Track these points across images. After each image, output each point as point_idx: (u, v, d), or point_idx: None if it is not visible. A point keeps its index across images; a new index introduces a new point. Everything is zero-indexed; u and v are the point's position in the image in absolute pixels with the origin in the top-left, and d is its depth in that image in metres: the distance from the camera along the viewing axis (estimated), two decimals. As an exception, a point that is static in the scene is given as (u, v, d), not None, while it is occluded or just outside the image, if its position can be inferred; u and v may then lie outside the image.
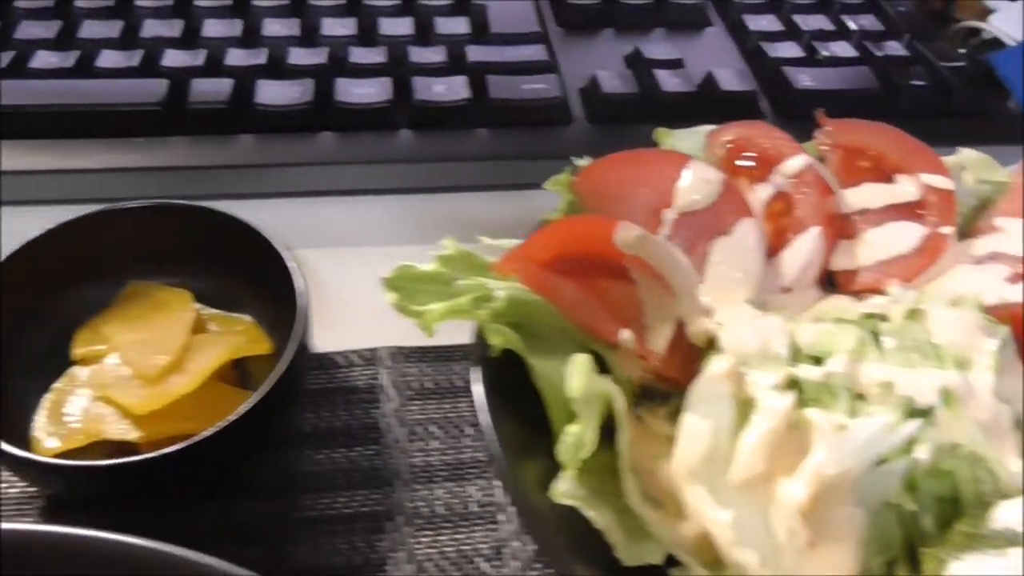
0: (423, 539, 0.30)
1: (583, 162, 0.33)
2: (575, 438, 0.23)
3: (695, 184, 0.32)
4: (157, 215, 0.34)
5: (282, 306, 0.33)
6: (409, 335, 0.35)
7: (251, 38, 0.43)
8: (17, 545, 0.25)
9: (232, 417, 0.27)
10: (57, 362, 0.32)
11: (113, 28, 0.43)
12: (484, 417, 0.24)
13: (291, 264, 0.31)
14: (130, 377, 0.30)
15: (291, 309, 0.32)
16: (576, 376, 0.23)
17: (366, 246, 0.39)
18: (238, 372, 0.33)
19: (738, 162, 0.33)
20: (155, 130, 0.39)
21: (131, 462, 0.26)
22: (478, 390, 0.25)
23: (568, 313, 0.27)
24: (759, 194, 0.33)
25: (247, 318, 0.34)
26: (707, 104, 0.42)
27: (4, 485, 0.31)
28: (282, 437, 0.32)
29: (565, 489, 0.23)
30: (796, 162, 0.33)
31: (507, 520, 0.31)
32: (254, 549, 0.29)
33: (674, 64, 0.44)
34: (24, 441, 0.29)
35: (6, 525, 0.25)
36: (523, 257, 0.27)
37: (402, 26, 0.44)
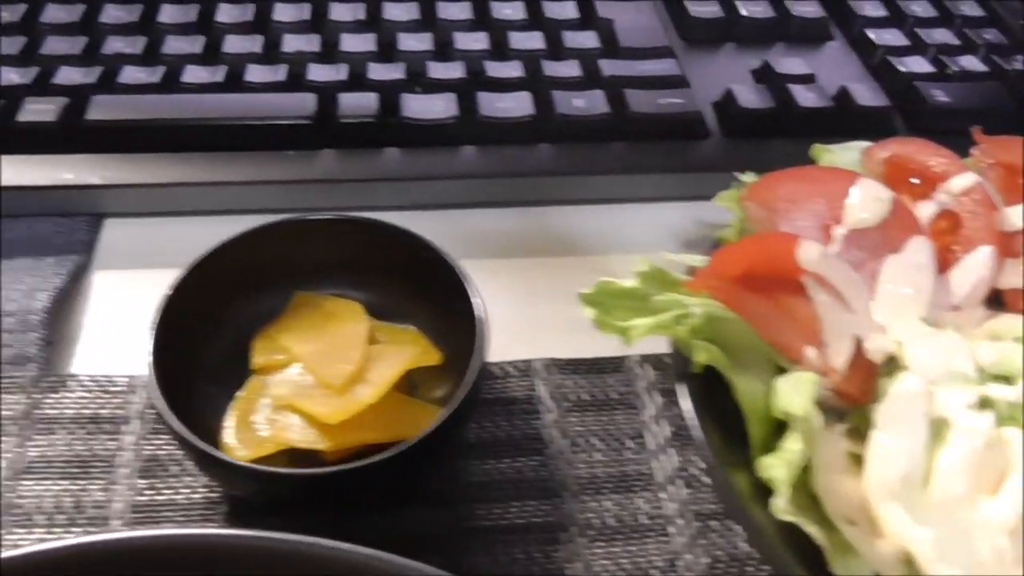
0: (597, 550, 0.31)
1: (748, 178, 0.33)
2: (794, 455, 0.24)
3: (865, 201, 0.32)
4: (321, 227, 0.35)
5: (444, 316, 0.33)
6: (560, 347, 0.36)
7: (388, 52, 0.44)
8: (228, 548, 0.25)
9: (428, 429, 0.28)
10: (235, 370, 0.33)
11: (256, 43, 0.44)
12: (697, 433, 0.25)
13: (464, 276, 0.32)
14: (314, 387, 0.31)
15: (454, 319, 0.33)
16: (801, 394, 0.24)
17: (507, 258, 0.40)
18: (405, 382, 0.33)
19: (909, 180, 0.33)
20: (306, 143, 0.40)
21: (342, 470, 0.27)
22: (687, 406, 0.25)
23: (759, 329, 0.27)
24: (923, 211, 0.33)
25: (412, 328, 0.34)
26: (843, 119, 0.42)
27: (186, 491, 0.31)
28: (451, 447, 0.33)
29: (784, 505, 0.23)
30: (963, 180, 0.33)
31: (678, 533, 0.31)
32: (433, 558, 0.30)
33: (806, 79, 0.44)
34: (215, 447, 0.30)
35: (221, 531, 0.26)
36: (716, 275, 0.28)
37: (533, 40, 0.45)
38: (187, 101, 0.41)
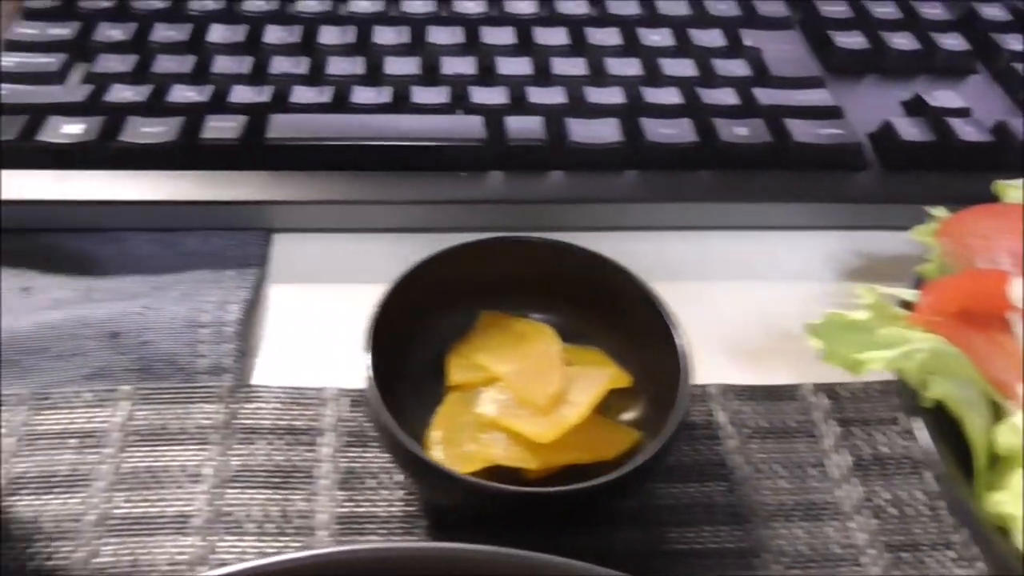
0: (793, 578, 0.31)
1: (940, 212, 0.34)
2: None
3: (1063, 239, 0.32)
4: (508, 247, 0.35)
5: (628, 338, 0.34)
6: (729, 373, 0.37)
7: (544, 76, 0.45)
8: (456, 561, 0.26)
9: (649, 453, 0.28)
10: (428, 386, 0.33)
11: (415, 65, 0.45)
12: (938, 468, 0.25)
13: (660, 301, 0.33)
14: (519, 406, 0.31)
15: (638, 341, 0.33)
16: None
17: (664, 281, 0.40)
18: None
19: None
20: (474, 165, 0.41)
21: (574, 490, 0.27)
22: (926, 440, 0.25)
23: (980, 365, 0.28)
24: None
25: (595, 349, 0.35)
26: (1002, 154, 0.42)
27: (384, 504, 0.32)
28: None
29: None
30: None
31: (871, 563, 0.31)
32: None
33: (962, 112, 0.44)
34: (422, 463, 0.31)
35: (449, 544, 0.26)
36: (935, 310, 0.28)
37: (685, 67, 0.46)
38: (357, 121, 0.42)
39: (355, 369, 0.35)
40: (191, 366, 0.35)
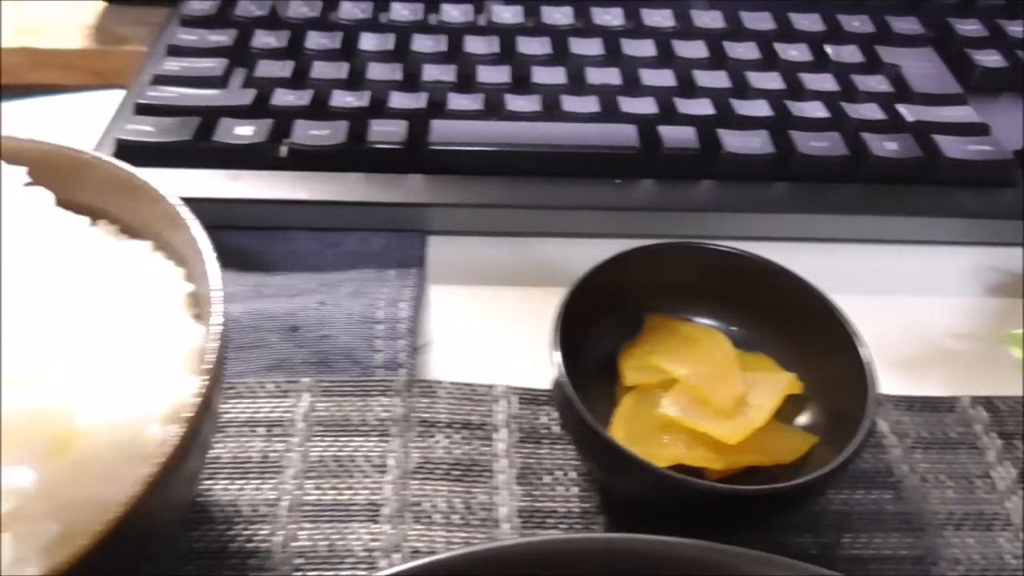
0: (970, 586, 0.31)
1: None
2: None
3: None
4: (674, 253, 0.36)
5: (795, 344, 0.35)
6: (886, 384, 0.37)
7: (689, 89, 0.46)
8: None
9: (839, 459, 0.29)
10: (600, 387, 0.34)
11: (561, 74, 0.46)
12: None
13: (837, 309, 0.33)
14: (701, 407, 0.32)
15: (806, 348, 0.34)
16: None
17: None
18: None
19: None
20: (628, 172, 0.42)
21: (776, 488, 0.28)
22: None
23: None
24: None
25: (762, 355, 0.35)
26: None
27: (562, 500, 0.33)
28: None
29: None
30: None
31: (1046, 575, 0.32)
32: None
33: (1110, 132, 0.44)
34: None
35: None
36: None
37: (826, 82, 0.46)
38: (512, 128, 0.43)
39: (521, 368, 0.37)
40: (368, 360, 0.36)
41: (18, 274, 0.23)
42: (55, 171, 0.29)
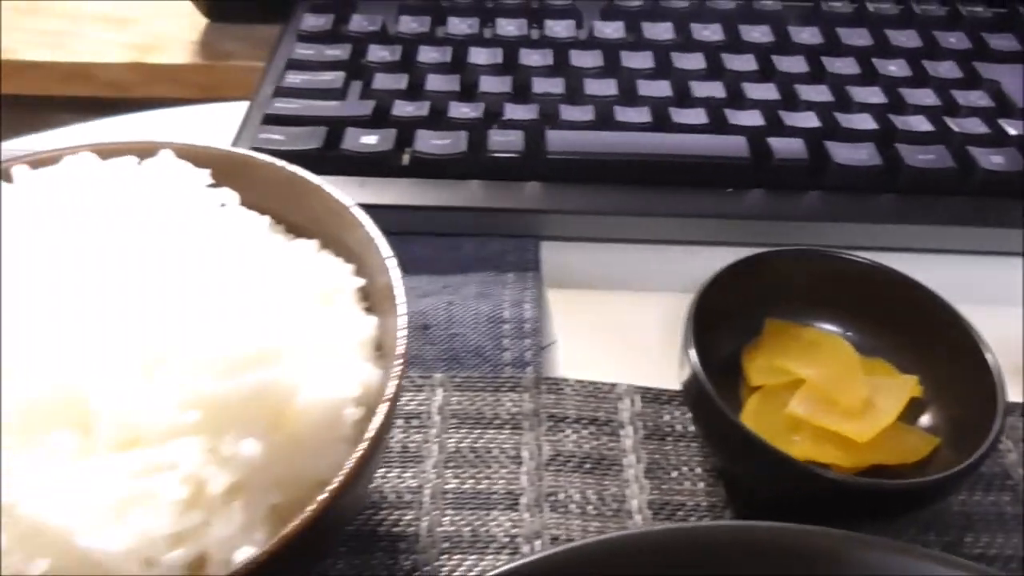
0: (1097, 587, 0.32)
1: None
2: None
3: None
4: (791, 259, 0.37)
5: (911, 349, 0.36)
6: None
7: (792, 102, 0.47)
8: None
9: (969, 460, 0.30)
10: (722, 388, 0.35)
11: (666, 87, 0.47)
12: None
13: (961, 316, 0.34)
14: (829, 407, 0.33)
15: (924, 354, 0.35)
16: None
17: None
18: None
19: None
20: (738, 183, 0.43)
21: (918, 483, 0.29)
22: None
23: None
24: None
25: (880, 360, 0.36)
26: None
27: (688, 495, 0.34)
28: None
29: None
30: None
31: None
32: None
33: None
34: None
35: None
36: None
37: (928, 97, 0.47)
38: (625, 138, 0.44)
39: (640, 368, 0.38)
40: (496, 358, 0.38)
41: (228, 266, 0.25)
42: (226, 174, 0.31)
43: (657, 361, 0.38)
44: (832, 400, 0.33)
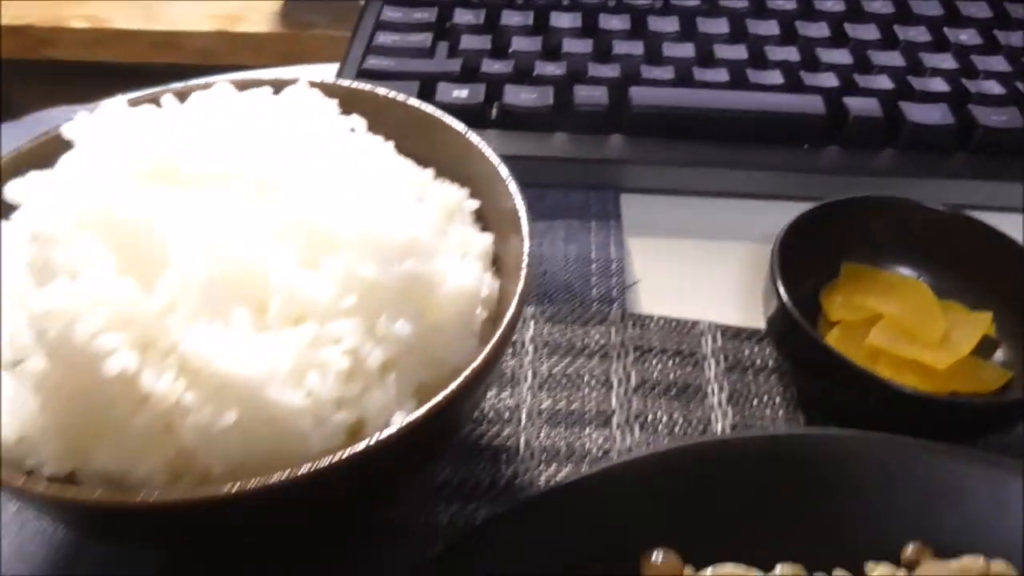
0: None
1: None
2: None
3: None
4: (868, 206, 0.39)
5: (984, 291, 0.37)
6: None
7: (866, 66, 0.49)
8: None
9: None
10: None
11: (742, 51, 0.49)
12: None
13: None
14: (909, 339, 0.35)
15: (997, 295, 0.36)
16: None
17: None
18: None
19: None
20: (814, 138, 0.45)
21: (1009, 401, 0.31)
22: None
23: None
24: None
25: (953, 301, 0.38)
26: None
27: (768, 422, 0.36)
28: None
29: None
30: None
31: None
32: None
33: None
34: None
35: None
36: None
37: (997, 64, 0.49)
38: (706, 95, 0.46)
39: (719, 308, 0.40)
40: (584, 295, 0.40)
41: (369, 175, 0.27)
42: (350, 105, 0.33)
43: (735, 304, 0.40)
44: (911, 332, 0.35)
